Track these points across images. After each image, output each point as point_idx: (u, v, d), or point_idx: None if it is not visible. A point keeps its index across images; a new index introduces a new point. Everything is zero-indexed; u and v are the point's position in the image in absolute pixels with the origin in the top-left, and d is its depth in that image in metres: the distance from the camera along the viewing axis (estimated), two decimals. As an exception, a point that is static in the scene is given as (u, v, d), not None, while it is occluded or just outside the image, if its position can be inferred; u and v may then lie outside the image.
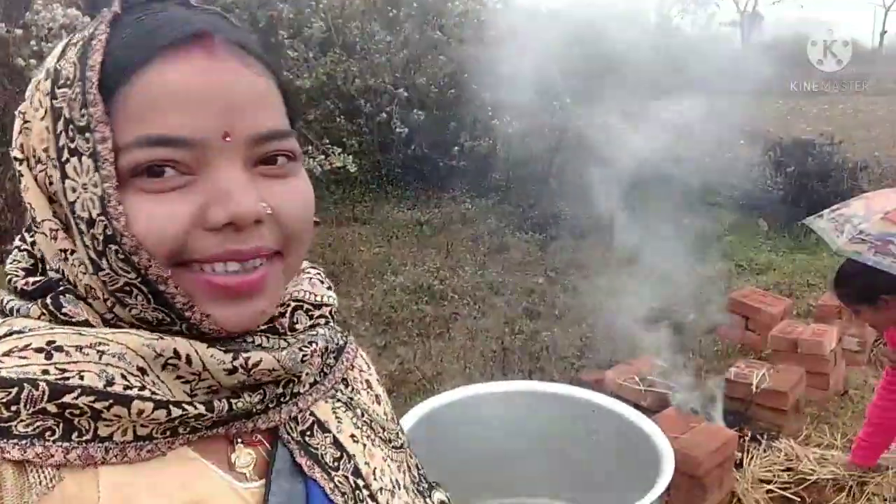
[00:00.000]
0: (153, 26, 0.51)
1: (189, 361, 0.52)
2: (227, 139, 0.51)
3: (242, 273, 0.53)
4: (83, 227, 0.50)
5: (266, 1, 6.99)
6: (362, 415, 0.67)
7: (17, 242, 0.58)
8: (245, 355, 0.54)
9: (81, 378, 0.49)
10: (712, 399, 3.53)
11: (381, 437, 0.67)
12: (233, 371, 0.53)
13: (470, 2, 7.84)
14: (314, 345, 0.60)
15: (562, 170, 7.34)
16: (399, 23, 7.70)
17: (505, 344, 4.41)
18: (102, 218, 0.49)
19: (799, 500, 2.82)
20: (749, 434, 3.10)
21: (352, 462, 0.62)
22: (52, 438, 0.48)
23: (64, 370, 0.49)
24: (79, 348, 0.50)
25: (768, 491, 2.85)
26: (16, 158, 0.55)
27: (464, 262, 5.98)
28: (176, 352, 0.51)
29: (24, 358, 0.49)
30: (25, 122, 0.54)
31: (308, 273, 0.68)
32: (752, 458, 3.00)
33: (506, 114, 7.17)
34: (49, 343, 0.50)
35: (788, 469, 2.95)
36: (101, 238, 0.50)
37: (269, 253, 0.54)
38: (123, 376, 0.50)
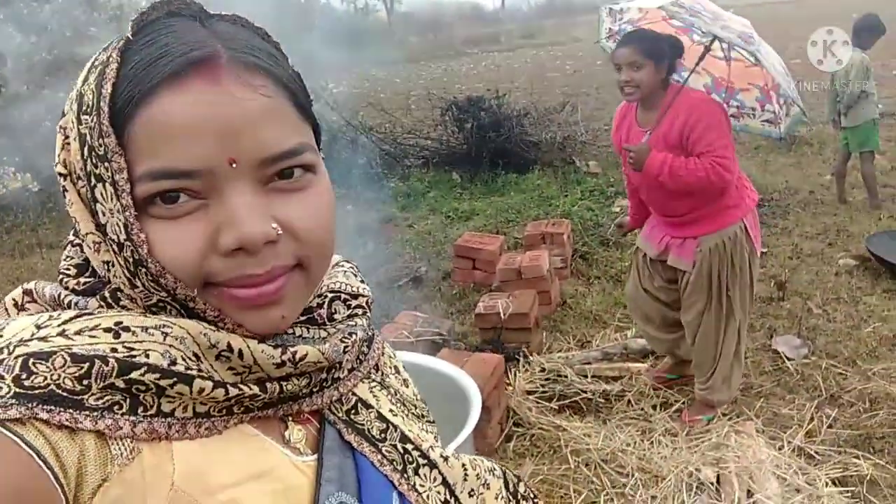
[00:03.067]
0: (158, 54, 0.51)
1: (241, 355, 0.54)
2: (234, 165, 0.51)
3: (259, 286, 0.54)
4: (115, 248, 0.53)
5: None
6: (395, 393, 0.72)
7: (70, 237, 0.59)
8: (292, 349, 0.56)
9: (147, 356, 0.51)
10: (470, 333, 3.94)
11: (413, 414, 0.72)
12: (281, 364, 0.56)
13: None
14: (354, 336, 0.63)
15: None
16: None
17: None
18: (128, 243, 0.51)
19: (559, 399, 3.32)
20: (508, 355, 3.52)
21: (398, 431, 0.67)
22: (120, 412, 0.50)
23: (131, 348, 0.51)
24: (144, 329, 0.52)
25: (536, 400, 3.31)
26: (59, 174, 0.55)
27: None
28: (229, 345, 0.54)
29: (94, 336, 0.51)
30: (66, 137, 0.54)
31: (342, 266, 0.71)
32: (514, 375, 3.43)
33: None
34: (117, 324, 0.52)
35: (548, 378, 3.44)
36: (130, 261, 0.52)
37: (287, 268, 0.55)
38: (184, 358, 0.52)
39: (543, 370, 3.49)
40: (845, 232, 5.30)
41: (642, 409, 3.24)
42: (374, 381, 0.70)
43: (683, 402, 3.24)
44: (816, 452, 2.84)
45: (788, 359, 3.57)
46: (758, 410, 3.15)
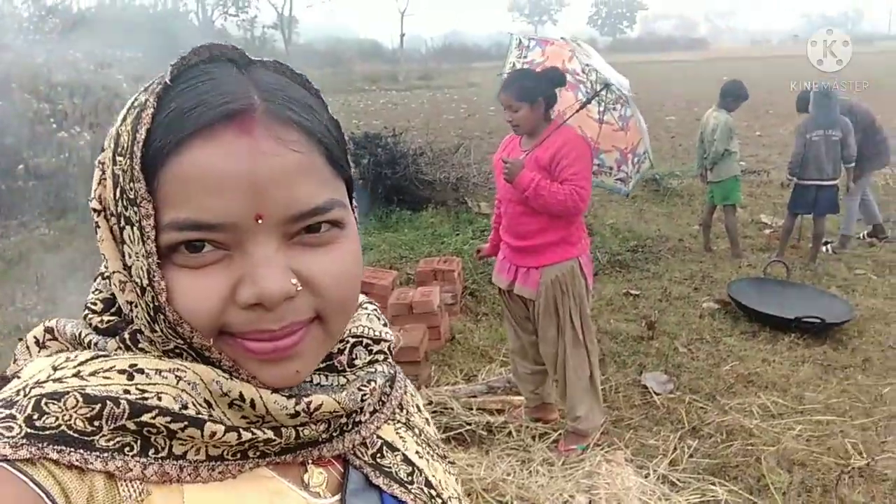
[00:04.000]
0: (193, 103, 0.50)
1: (253, 405, 0.53)
2: (260, 221, 0.50)
3: (275, 339, 0.53)
4: (138, 291, 0.53)
5: None
6: (420, 433, 0.70)
7: (102, 269, 0.57)
8: (307, 399, 0.55)
9: (159, 399, 0.51)
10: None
11: (437, 454, 0.71)
12: (295, 415, 0.55)
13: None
14: (373, 383, 0.62)
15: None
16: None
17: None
18: (150, 289, 0.51)
19: (445, 430, 3.42)
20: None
21: (422, 475, 0.65)
22: (130, 454, 0.50)
23: (144, 391, 0.51)
24: (158, 372, 0.52)
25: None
26: (94, 209, 0.55)
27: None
28: (241, 395, 0.53)
29: (108, 378, 0.51)
30: (103, 173, 0.54)
31: (366, 308, 0.69)
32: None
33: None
34: (132, 366, 0.52)
35: (435, 411, 3.54)
36: (151, 306, 0.52)
37: (305, 322, 0.54)
38: (195, 404, 0.52)
39: (431, 403, 3.59)
40: (710, 278, 5.77)
41: (522, 440, 3.39)
42: (399, 421, 0.68)
43: (560, 434, 3.43)
44: (678, 480, 3.08)
45: (656, 393, 3.85)
46: (627, 441, 3.38)
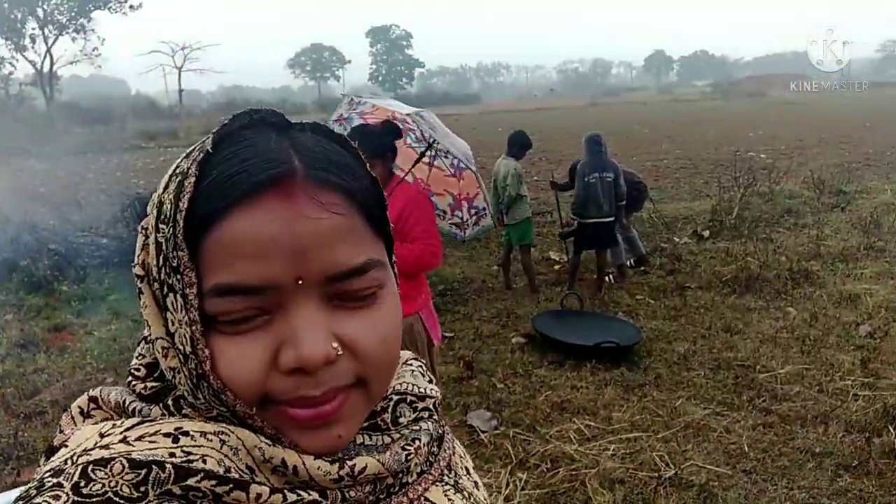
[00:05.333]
0: (234, 171, 0.51)
1: (296, 471, 0.53)
2: (300, 282, 0.51)
3: (316, 406, 0.53)
4: (181, 358, 0.53)
5: None
6: (469, 497, 0.68)
7: (145, 333, 0.57)
8: (350, 463, 0.55)
9: (204, 462, 0.51)
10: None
11: None
12: (339, 480, 0.54)
13: None
14: (417, 441, 0.61)
15: None
16: None
17: None
18: (193, 356, 0.52)
19: None
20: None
21: None
22: None
23: (189, 453, 0.51)
24: (203, 434, 0.52)
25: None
26: (137, 275, 0.55)
27: None
28: (284, 461, 0.53)
29: (154, 442, 0.51)
30: (146, 239, 0.54)
31: (410, 365, 0.69)
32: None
33: None
34: (177, 429, 0.52)
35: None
36: (194, 374, 0.52)
37: (346, 388, 0.54)
38: (237, 469, 0.52)
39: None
40: (514, 314, 6.08)
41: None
42: (447, 483, 0.66)
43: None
44: (514, 514, 3.14)
45: (482, 431, 3.93)
46: (462, 483, 3.40)
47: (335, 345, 0.52)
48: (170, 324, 0.53)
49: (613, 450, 3.71)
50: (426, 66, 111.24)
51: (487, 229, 3.62)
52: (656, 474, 3.46)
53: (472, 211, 3.51)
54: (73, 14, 45.39)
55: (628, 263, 7.40)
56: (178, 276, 0.51)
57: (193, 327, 0.51)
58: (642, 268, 7.42)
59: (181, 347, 0.52)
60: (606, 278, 6.90)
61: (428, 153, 3.44)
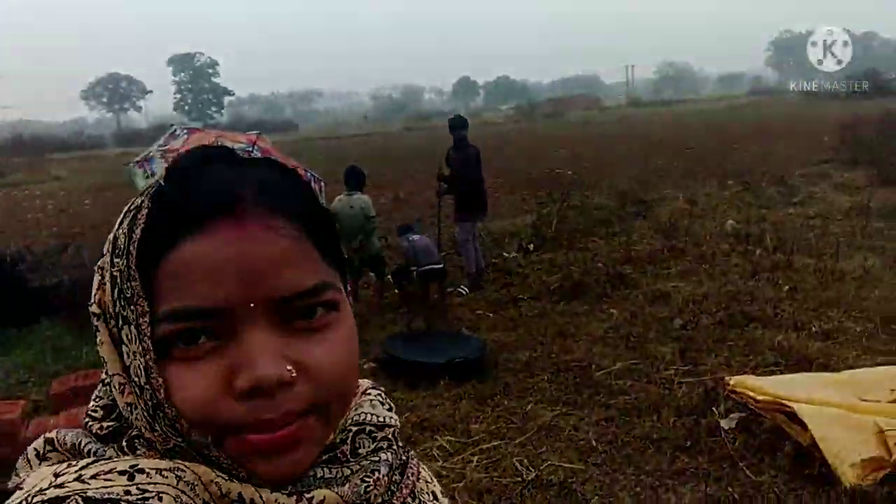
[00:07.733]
0: (187, 200, 0.52)
1: None
2: (252, 305, 0.51)
3: (273, 430, 0.52)
4: (137, 390, 0.53)
5: None
6: None
7: (103, 375, 0.58)
8: (308, 496, 0.54)
9: (160, 499, 0.50)
10: None
11: None
12: None
13: None
14: (377, 473, 0.60)
15: None
16: None
17: None
18: (148, 387, 0.52)
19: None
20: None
21: None
22: None
23: (144, 490, 0.50)
24: (159, 471, 0.52)
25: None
26: (93, 313, 0.56)
27: None
28: (241, 496, 0.52)
29: (109, 480, 0.51)
30: (102, 278, 0.55)
31: (369, 395, 0.68)
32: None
33: None
34: (132, 466, 0.52)
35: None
36: (150, 404, 0.52)
37: (302, 413, 0.53)
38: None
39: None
40: (363, 340, 6.06)
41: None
42: None
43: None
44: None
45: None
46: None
47: (289, 367, 0.52)
48: (125, 357, 0.53)
49: (476, 461, 3.85)
50: (235, 93, 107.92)
51: None
52: (519, 479, 3.64)
53: None
54: None
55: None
56: (132, 307, 0.52)
57: (147, 356, 0.51)
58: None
59: (136, 379, 0.53)
60: (460, 289, 7.35)
61: None
